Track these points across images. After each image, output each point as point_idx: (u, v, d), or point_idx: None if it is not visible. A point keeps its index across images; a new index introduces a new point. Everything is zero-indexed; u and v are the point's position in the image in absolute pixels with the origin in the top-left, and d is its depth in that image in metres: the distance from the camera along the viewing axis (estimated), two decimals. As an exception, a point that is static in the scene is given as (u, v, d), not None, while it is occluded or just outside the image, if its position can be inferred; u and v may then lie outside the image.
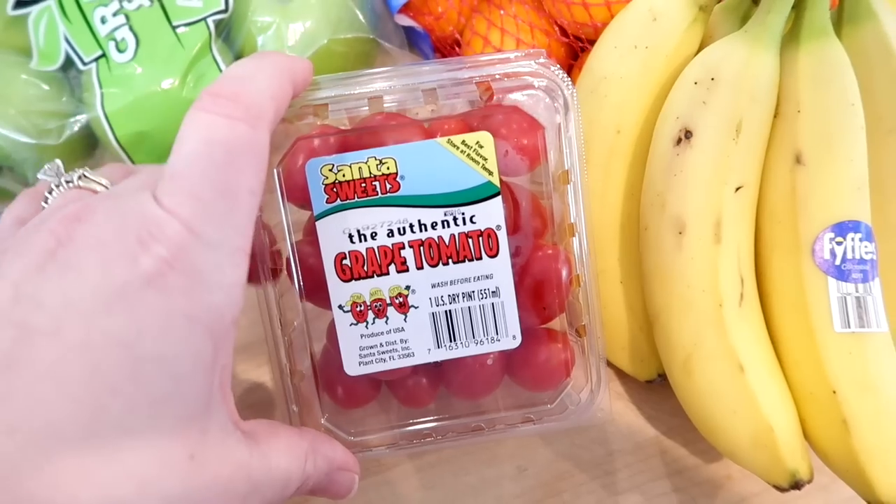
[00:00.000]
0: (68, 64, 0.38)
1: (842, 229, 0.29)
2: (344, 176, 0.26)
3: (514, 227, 0.28)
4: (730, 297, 0.30)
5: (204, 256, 0.19)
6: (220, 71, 0.38)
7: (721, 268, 0.30)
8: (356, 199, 0.26)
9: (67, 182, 0.23)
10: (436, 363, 0.28)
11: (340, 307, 0.27)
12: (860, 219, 0.29)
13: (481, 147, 0.26)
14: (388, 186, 0.26)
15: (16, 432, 0.16)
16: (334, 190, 0.26)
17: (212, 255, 0.19)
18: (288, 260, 0.28)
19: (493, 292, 0.27)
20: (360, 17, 0.40)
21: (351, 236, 0.26)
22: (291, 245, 0.27)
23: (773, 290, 0.31)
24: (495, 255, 0.27)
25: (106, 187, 0.24)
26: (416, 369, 0.29)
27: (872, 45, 0.31)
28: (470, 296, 0.27)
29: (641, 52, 0.33)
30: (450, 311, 0.27)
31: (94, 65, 0.37)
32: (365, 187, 0.26)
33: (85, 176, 0.24)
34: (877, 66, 0.31)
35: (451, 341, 0.27)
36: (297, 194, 0.27)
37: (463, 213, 0.26)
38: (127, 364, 0.17)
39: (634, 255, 0.34)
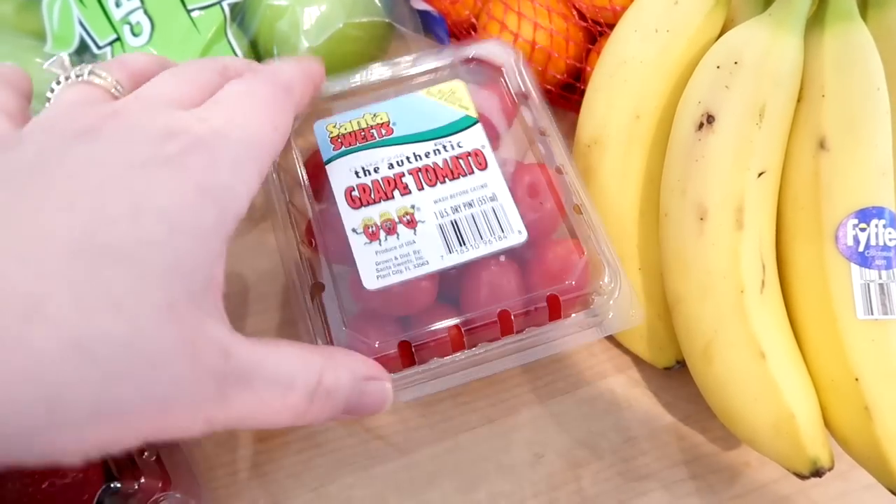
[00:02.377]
0: (83, 48, 0.38)
1: (865, 215, 0.29)
2: (345, 129, 0.31)
3: (496, 144, 0.31)
4: (751, 284, 0.30)
5: (226, 151, 0.20)
6: (236, 54, 0.38)
7: (743, 254, 0.30)
8: (358, 144, 0.31)
9: (77, 76, 0.23)
10: (452, 271, 0.29)
11: (353, 230, 0.29)
12: (884, 205, 0.29)
13: (454, 92, 0.32)
14: (384, 132, 0.31)
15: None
16: (339, 140, 0.31)
17: (235, 151, 0.21)
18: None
19: (490, 198, 0.29)
20: (376, 0, 0.39)
21: (357, 172, 0.30)
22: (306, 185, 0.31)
23: (795, 276, 0.31)
24: (485, 168, 0.30)
25: (116, 85, 0.23)
26: (436, 297, 0.29)
27: (898, 29, 0.31)
28: (470, 204, 0.29)
29: (662, 36, 0.33)
30: (455, 220, 0.29)
31: (108, 49, 0.37)
32: (364, 135, 0.31)
33: (94, 72, 0.23)
34: (903, 50, 0.31)
35: (461, 245, 0.28)
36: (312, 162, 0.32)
37: (450, 141, 0.31)
38: (128, 208, 0.18)
39: (653, 243, 0.34)
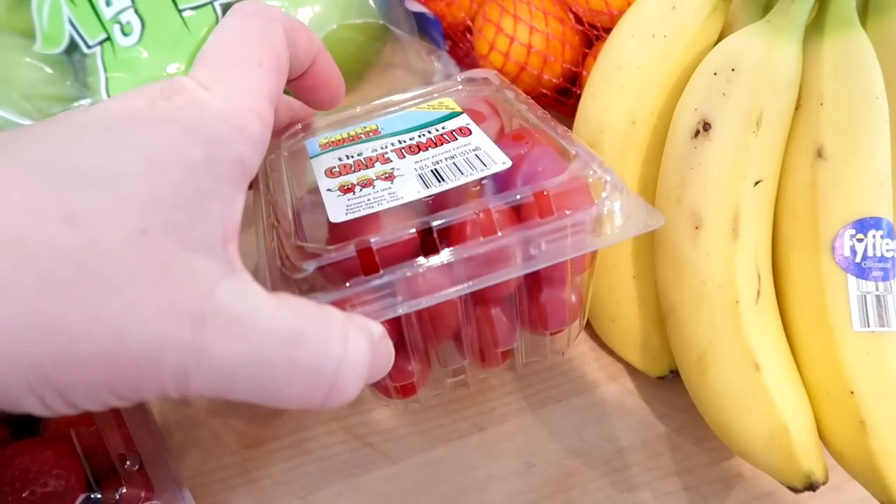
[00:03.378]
0: (72, 47, 0.37)
1: (863, 226, 0.28)
2: (335, 139, 0.30)
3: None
4: (746, 294, 0.29)
5: (215, 105, 0.20)
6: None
7: (738, 264, 0.29)
8: (344, 144, 0.30)
9: None
10: (427, 199, 0.25)
11: (328, 190, 0.26)
12: (882, 215, 0.28)
13: (443, 104, 0.31)
14: (371, 135, 0.30)
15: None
16: (327, 145, 0.30)
17: (222, 106, 0.20)
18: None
19: (474, 149, 0.27)
20: (370, 2, 0.39)
21: (339, 158, 0.29)
22: None
23: (791, 287, 0.30)
24: (470, 134, 0.28)
25: None
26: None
27: (898, 37, 0.30)
28: (452, 156, 0.27)
29: (659, 41, 0.32)
30: (435, 168, 0.26)
31: (98, 48, 0.37)
32: (352, 138, 0.30)
33: None
34: (903, 58, 0.30)
35: (439, 182, 0.25)
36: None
37: (435, 128, 0.29)
38: (107, 143, 0.18)
39: (648, 250, 0.33)
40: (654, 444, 0.35)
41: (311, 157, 0.29)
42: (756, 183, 0.29)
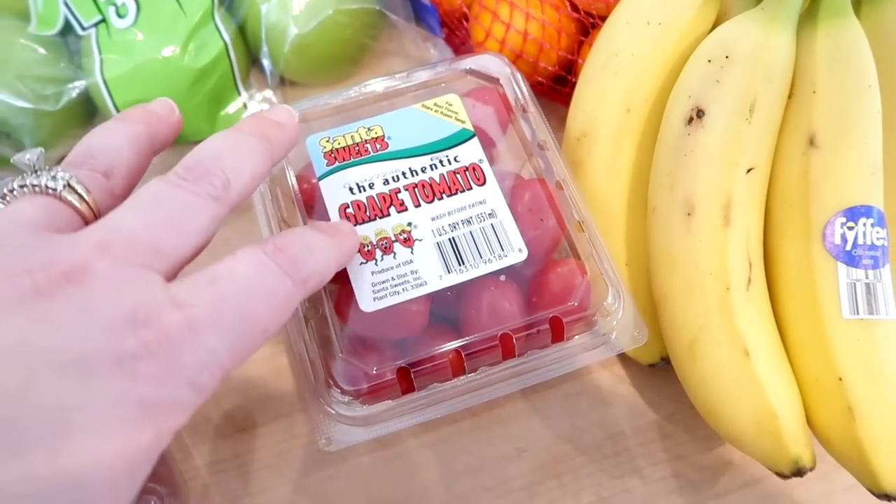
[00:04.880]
0: (67, 29, 0.37)
1: (854, 214, 0.28)
2: (339, 144, 0.30)
3: (493, 159, 0.31)
4: (737, 281, 0.29)
5: (190, 352, 0.18)
6: (223, 39, 0.38)
7: (729, 251, 0.29)
8: (352, 159, 0.30)
9: (48, 187, 0.20)
10: (450, 290, 0.28)
11: None
12: (873, 204, 0.28)
13: (450, 105, 0.31)
14: (378, 146, 0.30)
15: None
16: (332, 155, 0.30)
17: (199, 355, 0.18)
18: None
19: (489, 214, 0.29)
20: (367, -13, 0.39)
21: (351, 189, 0.29)
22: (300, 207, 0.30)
23: (782, 274, 0.30)
24: (483, 183, 0.29)
25: (90, 207, 0.20)
26: (433, 317, 0.28)
27: (892, 26, 0.30)
28: (469, 221, 0.28)
29: (654, 29, 0.32)
30: (453, 238, 0.28)
31: (93, 30, 0.37)
32: (358, 149, 0.30)
33: (70, 185, 0.20)
34: None
35: (460, 265, 0.28)
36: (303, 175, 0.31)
37: (447, 156, 0.30)
38: (51, 420, 0.16)
39: (641, 238, 0.33)
40: (645, 431, 0.35)
41: (319, 179, 0.29)
42: (748, 170, 0.29)
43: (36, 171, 0.20)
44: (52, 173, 0.20)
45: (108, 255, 0.18)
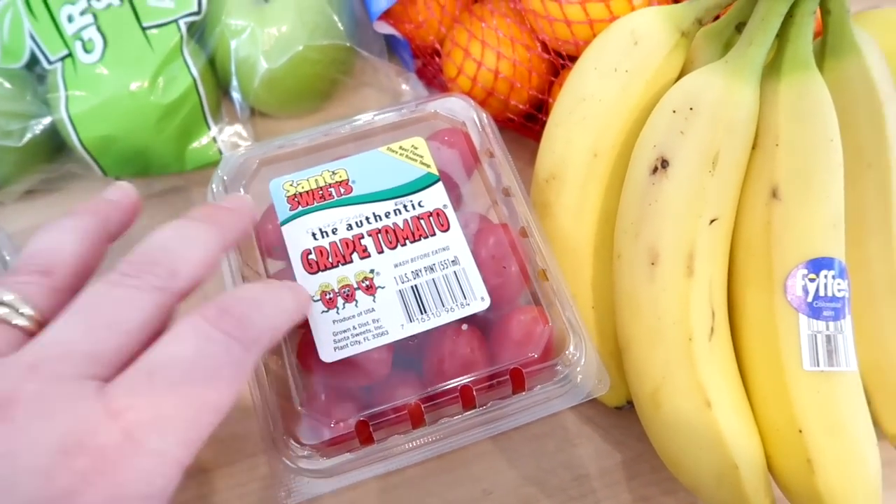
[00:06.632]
0: (33, 62, 0.37)
1: (815, 266, 0.29)
2: (302, 187, 0.30)
3: (458, 203, 0.31)
4: (700, 331, 0.29)
5: (134, 465, 0.17)
6: (191, 74, 0.37)
7: (692, 301, 0.29)
8: (315, 203, 0.30)
9: None
10: (411, 339, 0.27)
11: (310, 297, 0.27)
12: (834, 255, 0.29)
13: (416, 148, 0.31)
14: (342, 190, 0.30)
15: None
16: (296, 199, 0.30)
17: (145, 464, 0.17)
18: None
19: (452, 261, 0.29)
20: (338, 23, 0.39)
21: (314, 234, 0.29)
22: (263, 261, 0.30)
23: (745, 324, 0.30)
24: (447, 230, 0.29)
25: (32, 319, 0.20)
26: (395, 365, 0.28)
27: (855, 79, 0.31)
28: (432, 268, 0.28)
29: (621, 76, 0.32)
30: (416, 285, 0.28)
31: (59, 64, 0.36)
32: (322, 193, 0.30)
33: (4, 301, 0.19)
34: (859, 100, 0.31)
35: (422, 313, 0.27)
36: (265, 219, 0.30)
37: (411, 201, 0.30)
38: None
39: (608, 281, 0.33)
40: (612, 472, 0.35)
41: (282, 224, 0.29)
42: (712, 221, 0.30)
43: None
44: None
45: (38, 376, 0.17)
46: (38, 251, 0.22)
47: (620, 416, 0.36)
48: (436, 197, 0.30)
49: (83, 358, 0.18)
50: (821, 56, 0.31)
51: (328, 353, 0.27)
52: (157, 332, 0.20)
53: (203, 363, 0.19)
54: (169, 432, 0.18)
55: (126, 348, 0.19)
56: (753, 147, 0.30)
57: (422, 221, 0.29)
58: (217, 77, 0.40)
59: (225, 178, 0.31)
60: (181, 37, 0.37)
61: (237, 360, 0.20)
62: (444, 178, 0.31)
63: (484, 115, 0.33)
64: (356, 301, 0.28)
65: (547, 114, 0.37)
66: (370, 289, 0.28)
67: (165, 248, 0.21)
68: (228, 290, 0.22)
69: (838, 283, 0.29)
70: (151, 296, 0.20)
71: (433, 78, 0.43)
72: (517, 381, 0.28)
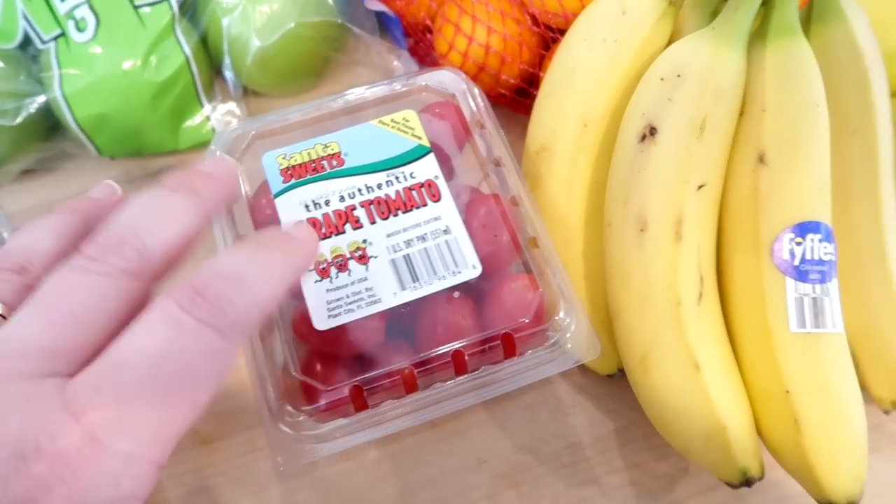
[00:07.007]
0: (26, 42, 0.37)
1: (802, 230, 0.29)
2: (295, 160, 0.30)
3: (449, 176, 0.31)
4: (688, 296, 0.30)
5: (99, 469, 0.16)
6: (184, 52, 0.38)
7: (680, 266, 0.30)
8: (308, 176, 0.30)
9: None
10: (404, 307, 0.28)
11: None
12: (820, 219, 0.29)
13: (407, 121, 0.31)
14: (335, 163, 0.30)
15: None
16: (288, 172, 0.30)
17: (111, 467, 0.16)
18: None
19: (443, 231, 0.29)
20: (329, 0, 0.39)
21: (307, 206, 0.29)
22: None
23: (733, 288, 0.31)
24: (439, 200, 0.30)
25: (1, 318, 0.19)
26: (389, 333, 0.28)
27: (841, 45, 0.31)
28: (423, 237, 0.29)
29: (610, 46, 0.33)
30: (408, 255, 0.28)
31: (52, 44, 0.37)
32: (315, 166, 0.30)
33: None
34: (844, 67, 0.31)
35: (414, 282, 0.28)
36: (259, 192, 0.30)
37: (403, 172, 0.30)
38: None
39: (598, 250, 0.34)
40: (604, 439, 0.36)
41: (275, 196, 0.29)
42: (700, 187, 0.30)
43: None
44: None
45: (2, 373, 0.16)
46: (14, 249, 0.21)
47: (612, 384, 0.36)
48: (427, 168, 0.30)
49: (41, 354, 0.17)
50: (807, 22, 0.31)
51: (322, 321, 0.27)
52: (128, 318, 0.18)
53: (174, 357, 0.17)
54: (139, 432, 0.16)
55: (91, 341, 0.18)
56: (741, 113, 0.30)
57: (413, 192, 0.30)
58: (210, 55, 0.40)
59: (218, 153, 0.32)
60: (173, 15, 0.37)
61: (213, 350, 0.18)
62: (436, 150, 0.31)
63: (475, 87, 0.33)
64: (349, 270, 0.28)
65: (538, 87, 0.38)
66: (363, 258, 0.28)
67: (134, 225, 0.19)
68: (209, 260, 0.19)
69: (825, 247, 0.29)
70: (119, 281, 0.18)
71: (425, 55, 0.43)
72: (508, 345, 0.28)
